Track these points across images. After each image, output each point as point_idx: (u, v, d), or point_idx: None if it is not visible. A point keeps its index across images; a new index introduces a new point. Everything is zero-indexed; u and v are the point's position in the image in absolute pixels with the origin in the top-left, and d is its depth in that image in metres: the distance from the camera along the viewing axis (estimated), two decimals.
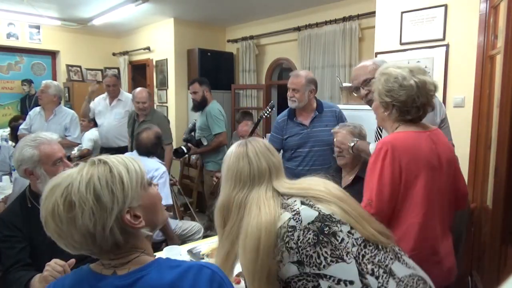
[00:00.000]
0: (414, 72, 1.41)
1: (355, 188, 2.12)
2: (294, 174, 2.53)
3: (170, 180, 3.13)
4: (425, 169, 1.39)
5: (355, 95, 2.07)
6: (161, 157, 3.44)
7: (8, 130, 4.92)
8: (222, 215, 1.21)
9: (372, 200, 1.37)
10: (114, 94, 4.14)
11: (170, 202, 2.65)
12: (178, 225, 2.75)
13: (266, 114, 3.07)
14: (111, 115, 4.13)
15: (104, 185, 0.81)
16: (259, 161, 1.20)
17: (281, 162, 1.26)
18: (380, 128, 2.02)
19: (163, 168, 2.63)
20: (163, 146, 3.45)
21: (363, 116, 2.82)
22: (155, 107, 5.58)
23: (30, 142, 1.72)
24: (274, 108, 3.27)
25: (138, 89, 3.76)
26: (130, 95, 4.18)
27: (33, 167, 1.69)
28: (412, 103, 1.41)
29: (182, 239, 2.65)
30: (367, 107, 2.84)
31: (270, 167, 1.21)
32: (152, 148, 2.71)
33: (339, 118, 2.66)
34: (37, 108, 3.88)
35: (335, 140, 2.17)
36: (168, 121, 4.42)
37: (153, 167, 2.59)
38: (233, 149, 1.26)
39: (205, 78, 3.97)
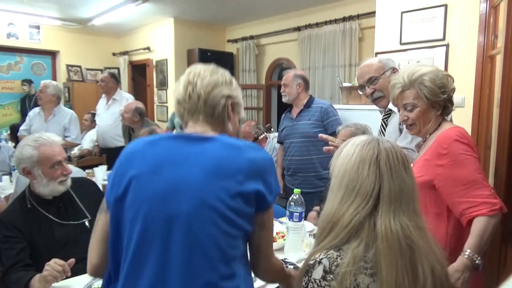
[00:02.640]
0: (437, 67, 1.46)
1: None
2: (284, 165, 2.96)
3: None
4: None
5: (360, 93, 2.05)
6: None
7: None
8: (324, 228, 0.98)
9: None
10: (104, 90, 4.17)
11: None
12: None
13: (260, 136, 3.27)
14: (107, 115, 4.14)
15: None
16: (391, 178, 0.93)
17: (416, 187, 0.99)
18: (384, 127, 1.97)
19: None
20: None
21: (363, 116, 2.83)
22: (154, 106, 5.58)
23: (31, 142, 1.72)
24: (272, 129, 3.33)
25: (129, 101, 3.72)
26: (127, 95, 4.19)
27: (31, 167, 1.70)
28: (454, 92, 1.42)
29: None
30: (367, 106, 2.86)
31: (403, 191, 0.93)
32: None
33: (324, 113, 2.77)
34: (37, 109, 3.88)
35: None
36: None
37: None
38: (357, 144, 0.98)
39: None
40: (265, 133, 3.17)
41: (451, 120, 1.84)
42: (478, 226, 1.22)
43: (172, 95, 5.86)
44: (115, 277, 0.97)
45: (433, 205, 1.37)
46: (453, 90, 1.42)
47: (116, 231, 0.96)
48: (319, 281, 0.89)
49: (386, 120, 1.93)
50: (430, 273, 0.90)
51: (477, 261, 1.20)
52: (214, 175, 0.92)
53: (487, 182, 1.29)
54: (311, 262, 0.93)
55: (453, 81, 1.42)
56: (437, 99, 1.39)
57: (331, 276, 0.88)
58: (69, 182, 1.80)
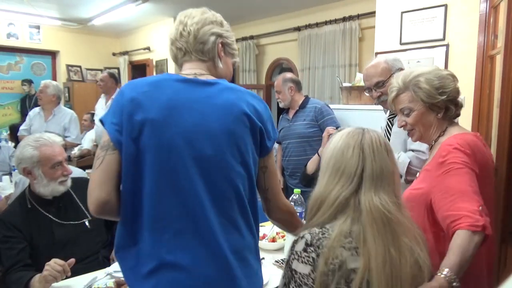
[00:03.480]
0: (438, 67, 1.37)
1: None
2: (283, 165, 3.00)
3: None
4: (492, 176, 1.31)
5: (367, 95, 2.02)
6: None
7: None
8: (312, 207, 1.04)
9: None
10: (103, 90, 4.19)
11: None
12: None
13: None
14: None
15: None
16: (373, 159, 0.99)
17: (397, 170, 1.05)
18: (389, 127, 1.90)
19: None
20: None
21: (363, 116, 2.83)
22: None
23: (32, 142, 1.72)
24: None
25: None
26: None
27: (31, 167, 1.70)
28: (457, 94, 1.32)
29: None
30: (367, 106, 2.86)
31: (383, 171, 0.99)
32: None
33: (318, 113, 2.78)
34: (37, 109, 3.88)
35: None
36: None
37: None
38: (344, 133, 1.05)
39: None
40: None
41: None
42: (457, 241, 1.06)
43: None
44: (132, 238, 1.00)
45: (432, 224, 1.23)
46: (455, 90, 1.31)
47: (135, 172, 0.96)
48: (300, 253, 0.96)
49: (392, 120, 1.89)
50: (409, 249, 0.96)
51: (454, 284, 1.02)
52: (225, 120, 0.99)
53: (479, 197, 1.14)
54: (295, 238, 1.00)
55: (457, 81, 1.32)
56: (435, 101, 1.29)
57: (312, 249, 0.94)
58: (69, 182, 1.80)
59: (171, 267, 0.96)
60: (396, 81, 1.37)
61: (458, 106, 1.34)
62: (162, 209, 0.96)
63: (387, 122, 1.92)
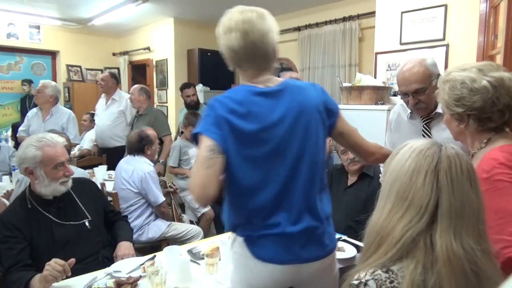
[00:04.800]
0: (485, 71, 1.17)
1: (363, 185, 2.26)
2: None
3: (170, 187, 3.16)
4: None
5: (398, 97, 1.88)
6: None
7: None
8: (371, 242, 0.87)
9: None
10: (104, 90, 4.20)
11: (160, 200, 2.68)
12: (172, 227, 2.74)
13: None
14: (105, 115, 4.14)
15: None
16: (451, 191, 0.80)
17: (483, 206, 0.85)
18: (428, 132, 1.76)
19: (147, 169, 2.67)
20: (162, 139, 3.72)
21: (363, 115, 2.83)
22: (154, 106, 5.60)
23: (35, 142, 1.73)
24: None
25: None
26: (126, 95, 4.20)
27: (33, 167, 1.70)
28: (492, 107, 1.14)
29: (179, 242, 2.63)
30: (367, 106, 2.86)
31: (465, 208, 0.80)
32: (135, 147, 2.77)
33: None
34: (34, 109, 3.87)
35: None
36: (165, 116, 4.46)
37: (139, 167, 2.66)
38: (415, 148, 0.86)
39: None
40: None
41: None
42: None
43: (172, 95, 5.83)
44: (249, 222, 1.19)
45: None
46: (481, 106, 1.14)
47: (244, 173, 1.15)
48: None
49: (429, 124, 1.76)
50: None
51: None
52: (313, 115, 1.20)
53: None
54: (355, 282, 0.81)
55: (495, 94, 1.14)
56: (451, 113, 1.21)
57: None
58: (70, 183, 1.81)
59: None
60: (442, 77, 1.29)
61: (495, 118, 1.16)
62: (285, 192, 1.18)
63: (423, 128, 1.78)
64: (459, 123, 1.22)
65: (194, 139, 1.16)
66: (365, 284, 0.80)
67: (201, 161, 1.10)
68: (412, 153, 0.85)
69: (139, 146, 2.76)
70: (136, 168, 2.65)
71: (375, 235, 0.86)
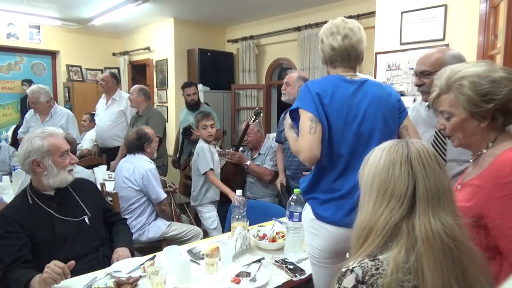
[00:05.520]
0: (492, 64, 1.14)
1: None
2: (286, 165, 3.01)
3: (170, 187, 3.17)
4: None
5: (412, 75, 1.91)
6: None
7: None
8: (359, 236, 0.92)
9: None
10: (104, 90, 4.20)
11: (161, 197, 2.68)
12: (172, 227, 2.74)
13: (251, 121, 3.25)
14: (106, 114, 4.14)
15: None
16: (425, 175, 0.87)
17: (452, 189, 0.92)
18: (440, 134, 1.68)
19: (148, 166, 2.68)
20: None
21: None
22: (154, 106, 5.61)
23: (38, 134, 1.77)
24: (261, 114, 3.44)
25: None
26: (126, 95, 4.20)
27: (41, 158, 1.73)
28: (510, 100, 1.08)
29: (179, 242, 2.62)
30: None
31: (439, 188, 0.87)
32: (135, 146, 2.77)
33: None
34: (32, 111, 3.87)
35: None
36: (163, 118, 4.39)
37: (139, 164, 2.67)
38: (384, 147, 0.94)
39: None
40: (255, 117, 3.24)
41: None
42: None
43: (172, 95, 5.83)
44: (329, 168, 1.47)
45: (485, 248, 1.05)
46: (507, 97, 1.07)
47: (335, 136, 1.43)
48: None
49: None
50: (478, 281, 0.82)
51: None
52: (387, 106, 1.48)
53: None
54: (343, 269, 0.87)
55: None
56: (477, 110, 1.09)
57: (363, 287, 0.82)
58: (74, 173, 1.86)
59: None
60: (440, 78, 1.19)
61: (506, 114, 1.10)
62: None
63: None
64: (482, 120, 1.11)
65: (294, 113, 1.50)
66: (352, 270, 0.85)
67: (306, 129, 1.39)
68: (383, 151, 0.93)
69: (138, 144, 2.77)
70: (137, 166, 2.66)
71: (362, 230, 0.91)
